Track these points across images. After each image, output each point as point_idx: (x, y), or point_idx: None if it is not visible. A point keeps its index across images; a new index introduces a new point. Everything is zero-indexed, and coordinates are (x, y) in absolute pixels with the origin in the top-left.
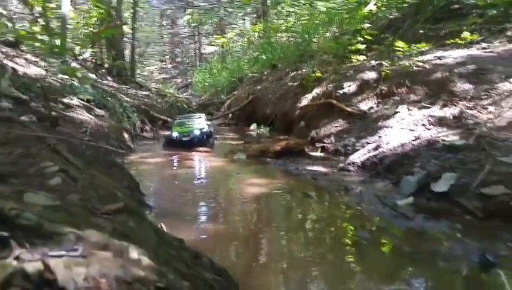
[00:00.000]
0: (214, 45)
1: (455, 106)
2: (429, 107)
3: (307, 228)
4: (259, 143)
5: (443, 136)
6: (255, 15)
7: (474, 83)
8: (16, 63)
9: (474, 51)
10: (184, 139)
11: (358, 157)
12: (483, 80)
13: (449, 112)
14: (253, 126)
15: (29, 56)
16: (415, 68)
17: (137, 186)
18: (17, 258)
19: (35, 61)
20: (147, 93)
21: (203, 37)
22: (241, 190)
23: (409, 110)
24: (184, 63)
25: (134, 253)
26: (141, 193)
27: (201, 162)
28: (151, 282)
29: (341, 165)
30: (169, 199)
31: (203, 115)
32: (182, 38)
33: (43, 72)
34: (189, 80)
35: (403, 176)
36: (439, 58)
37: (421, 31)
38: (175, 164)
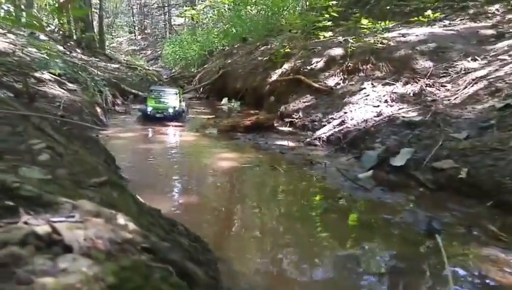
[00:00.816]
0: (184, 17)
1: (416, 83)
2: (393, 84)
3: (274, 199)
4: (229, 118)
5: (403, 112)
6: None
7: (434, 61)
8: None
9: (436, 28)
10: (158, 115)
11: (324, 132)
12: (442, 58)
13: (410, 89)
14: (225, 100)
15: None
16: (379, 45)
17: (113, 161)
18: (25, 223)
19: (3, 34)
20: (117, 66)
21: (173, 9)
22: (212, 163)
23: (373, 86)
24: (153, 35)
25: (121, 219)
26: (117, 167)
27: (174, 137)
28: (137, 243)
29: (308, 140)
30: (143, 172)
31: (177, 91)
32: (151, 9)
33: (12, 46)
34: (159, 52)
35: (364, 151)
36: (403, 35)
37: (387, 8)
38: (148, 139)
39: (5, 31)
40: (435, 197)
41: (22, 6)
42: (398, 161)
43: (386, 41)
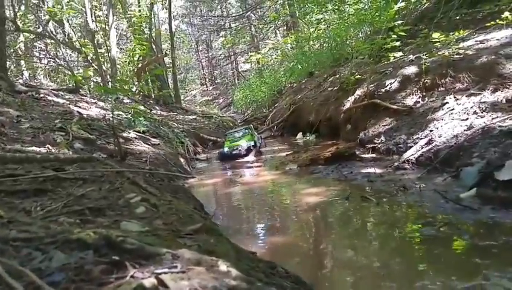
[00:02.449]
0: (250, 62)
1: (507, 88)
2: (479, 94)
3: (369, 232)
4: (308, 152)
5: (499, 121)
6: (285, 27)
7: None
8: (79, 107)
9: None
10: (234, 152)
11: (411, 154)
12: None
13: (502, 95)
14: (299, 135)
15: (88, 99)
16: (456, 56)
17: (202, 207)
18: (132, 277)
19: (94, 103)
20: (193, 117)
21: (239, 56)
22: (297, 200)
23: (457, 99)
24: (223, 83)
25: (223, 266)
26: (206, 213)
27: (255, 177)
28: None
29: (396, 164)
30: (230, 216)
31: (248, 127)
32: (218, 60)
33: (103, 112)
34: (230, 99)
35: (461, 168)
36: (481, 42)
37: (457, 17)
38: (231, 182)
39: (95, 100)
40: None
41: (108, 77)
42: (506, 175)
43: (463, 51)
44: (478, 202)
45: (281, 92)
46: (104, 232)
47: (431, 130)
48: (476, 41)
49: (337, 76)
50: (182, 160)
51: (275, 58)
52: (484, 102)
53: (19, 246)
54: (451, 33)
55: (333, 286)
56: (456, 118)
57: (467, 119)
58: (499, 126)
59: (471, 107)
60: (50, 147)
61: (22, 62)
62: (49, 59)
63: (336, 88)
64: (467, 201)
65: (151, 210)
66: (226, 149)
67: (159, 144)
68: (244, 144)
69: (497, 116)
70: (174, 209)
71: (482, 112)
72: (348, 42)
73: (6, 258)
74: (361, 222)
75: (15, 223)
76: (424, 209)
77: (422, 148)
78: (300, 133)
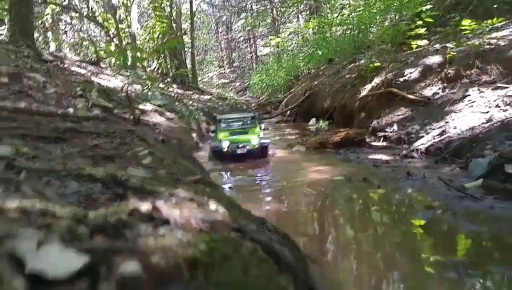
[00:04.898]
0: (269, 46)
1: None
2: (506, 87)
3: (367, 210)
4: (317, 135)
5: None
6: (308, 12)
7: None
8: (99, 78)
9: None
10: (239, 151)
11: (422, 143)
12: None
13: None
14: (312, 121)
15: (108, 71)
16: (486, 47)
17: (208, 174)
18: (132, 204)
19: (114, 76)
20: (208, 97)
21: (258, 39)
22: (300, 177)
23: (481, 92)
24: (241, 67)
25: (213, 205)
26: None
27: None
28: (227, 224)
29: (404, 152)
30: (238, 185)
31: (254, 115)
32: (238, 42)
33: (121, 84)
34: (247, 83)
35: (471, 159)
36: None
37: (494, 6)
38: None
39: (115, 73)
40: None
41: (128, 52)
42: None
43: (495, 41)
44: (482, 192)
45: (297, 77)
46: (111, 171)
47: (446, 122)
48: (511, 31)
49: (357, 63)
50: (194, 135)
51: (295, 43)
52: (510, 96)
53: (41, 176)
54: (485, 21)
55: (323, 248)
56: (476, 111)
57: (488, 112)
58: None
59: (494, 100)
60: (70, 110)
61: (49, 34)
62: (73, 32)
63: (354, 75)
64: (471, 191)
65: (156, 162)
66: (225, 144)
67: (173, 118)
68: (255, 139)
69: None
70: (177, 163)
71: (505, 106)
72: (371, 29)
73: (33, 181)
74: (360, 201)
75: (38, 159)
76: (424, 195)
77: (434, 138)
78: (314, 119)
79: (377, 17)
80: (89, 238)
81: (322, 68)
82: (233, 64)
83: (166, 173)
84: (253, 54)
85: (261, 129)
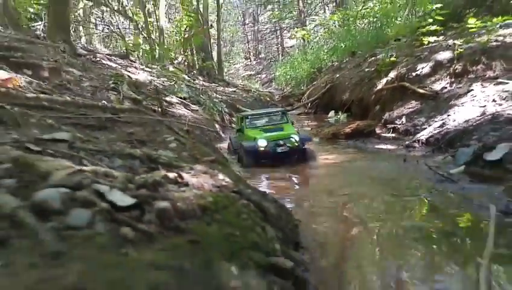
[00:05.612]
0: (295, 38)
1: None
2: (506, 83)
3: (363, 181)
4: (331, 127)
5: (509, 109)
6: (334, 3)
7: None
8: (129, 71)
9: None
10: (280, 150)
11: (423, 134)
12: None
13: None
14: (331, 113)
15: (136, 65)
16: (493, 43)
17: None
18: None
19: (142, 68)
20: (233, 89)
21: (285, 31)
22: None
23: (483, 86)
24: (267, 59)
25: (221, 176)
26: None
27: None
28: (229, 188)
29: (407, 142)
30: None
31: (284, 110)
32: (264, 34)
33: (150, 77)
34: (273, 75)
35: (457, 149)
36: None
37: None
38: None
39: (143, 66)
40: None
41: (156, 45)
42: (494, 156)
43: (502, 38)
44: (464, 178)
45: (320, 70)
46: (146, 151)
47: (448, 115)
48: None
49: (376, 57)
50: (217, 126)
51: (321, 35)
52: (507, 91)
53: (94, 154)
54: (495, 18)
55: (317, 220)
56: (475, 105)
57: (485, 106)
58: (508, 114)
59: (493, 95)
60: (105, 103)
61: (81, 28)
62: (104, 26)
63: (372, 69)
64: (455, 176)
65: (180, 146)
66: (262, 144)
67: (198, 110)
68: (294, 135)
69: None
70: (197, 148)
71: (500, 100)
72: (393, 24)
73: (90, 158)
74: (358, 179)
75: (90, 142)
76: (410, 176)
77: (434, 130)
78: (333, 111)
79: (399, 12)
80: (135, 190)
81: (344, 61)
82: (260, 56)
83: (188, 154)
84: (279, 45)
85: (293, 124)
